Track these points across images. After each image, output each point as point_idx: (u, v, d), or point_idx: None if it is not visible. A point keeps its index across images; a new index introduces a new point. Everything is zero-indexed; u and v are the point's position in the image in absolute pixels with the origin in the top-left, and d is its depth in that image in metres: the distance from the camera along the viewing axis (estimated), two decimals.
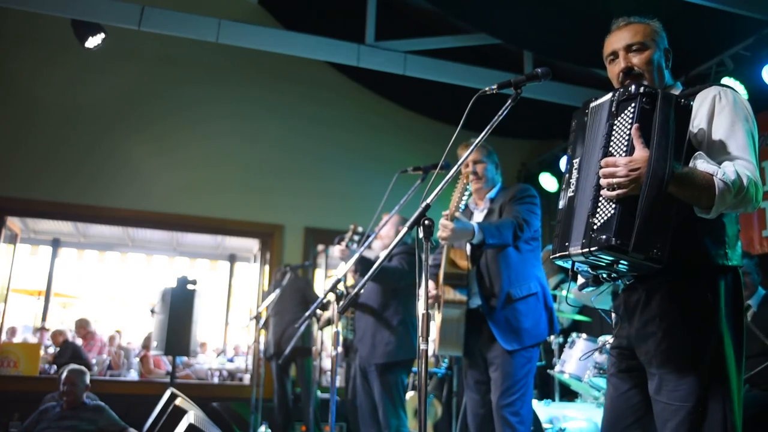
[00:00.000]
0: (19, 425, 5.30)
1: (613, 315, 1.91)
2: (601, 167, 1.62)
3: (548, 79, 1.93)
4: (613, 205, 1.59)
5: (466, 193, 2.83)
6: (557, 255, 1.74)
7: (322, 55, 5.89)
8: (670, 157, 1.55)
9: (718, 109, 1.74)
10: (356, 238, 3.94)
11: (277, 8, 7.06)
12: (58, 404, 4.40)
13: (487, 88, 1.93)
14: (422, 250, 1.80)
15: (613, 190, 1.59)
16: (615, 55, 1.89)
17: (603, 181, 1.61)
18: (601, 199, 1.63)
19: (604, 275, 1.73)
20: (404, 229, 1.84)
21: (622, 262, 1.61)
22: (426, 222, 1.80)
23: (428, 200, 1.88)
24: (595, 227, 1.61)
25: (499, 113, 1.90)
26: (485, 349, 2.95)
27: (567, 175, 1.80)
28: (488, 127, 1.91)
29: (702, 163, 1.65)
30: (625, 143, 1.62)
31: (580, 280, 1.87)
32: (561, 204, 1.80)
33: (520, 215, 2.89)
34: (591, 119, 1.77)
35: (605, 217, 1.60)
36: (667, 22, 1.95)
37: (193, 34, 5.33)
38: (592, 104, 1.80)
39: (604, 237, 1.56)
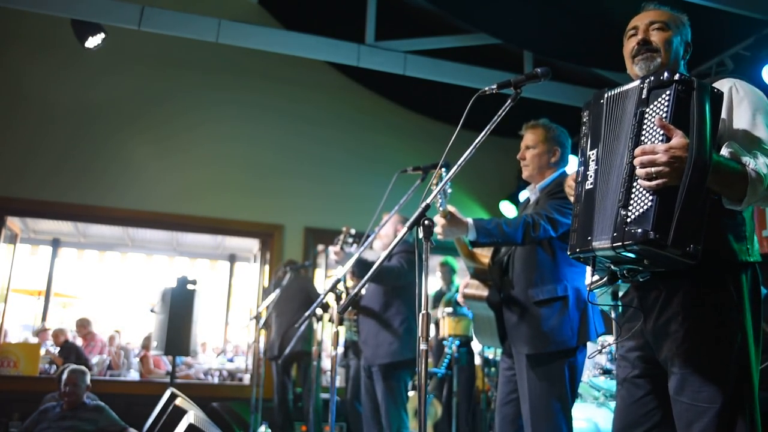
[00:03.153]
0: (19, 425, 5.30)
1: (613, 314, 1.87)
2: (634, 156, 1.53)
3: (548, 79, 1.92)
4: (650, 197, 1.49)
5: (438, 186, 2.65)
6: (577, 251, 1.65)
7: (322, 55, 5.89)
8: (709, 146, 1.49)
9: (737, 101, 1.70)
10: (350, 240, 3.92)
11: (277, 8, 7.07)
12: (58, 404, 4.40)
13: (486, 88, 1.92)
14: (422, 250, 1.78)
15: (652, 179, 1.48)
16: (635, 30, 1.85)
17: (640, 171, 1.51)
18: (633, 190, 1.53)
19: (624, 272, 1.62)
20: (404, 230, 1.83)
21: (651, 257, 1.51)
22: (426, 222, 1.79)
23: (428, 200, 1.87)
24: (628, 220, 1.50)
25: (499, 113, 1.90)
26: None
27: (582, 168, 1.73)
28: (488, 127, 1.91)
29: (733, 153, 1.59)
30: (661, 131, 1.52)
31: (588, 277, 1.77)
32: (575, 198, 1.73)
33: (544, 213, 2.59)
34: (610, 109, 1.70)
35: (641, 210, 1.50)
36: None
37: (193, 34, 5.33)
38: (609, 94, 1.72)
39: (640, 230, 1.47)
